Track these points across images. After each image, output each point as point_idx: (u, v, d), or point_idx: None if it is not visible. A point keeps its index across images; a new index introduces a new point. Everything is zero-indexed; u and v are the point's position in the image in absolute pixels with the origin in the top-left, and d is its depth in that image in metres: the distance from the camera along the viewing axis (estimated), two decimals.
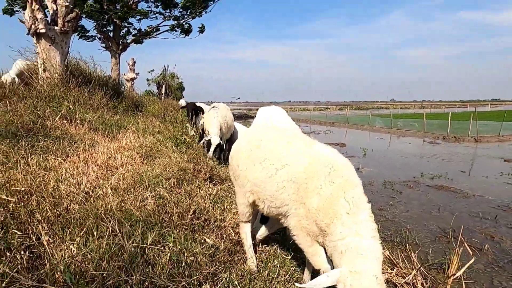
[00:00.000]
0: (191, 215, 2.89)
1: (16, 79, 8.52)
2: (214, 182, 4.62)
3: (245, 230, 2.96)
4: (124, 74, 22.71)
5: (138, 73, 23.07)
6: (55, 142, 4.48)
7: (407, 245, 4.45)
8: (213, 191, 3.86)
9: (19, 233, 2.07)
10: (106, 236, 2.18)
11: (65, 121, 6.11)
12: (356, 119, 33.74)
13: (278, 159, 2.46)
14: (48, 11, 8.50)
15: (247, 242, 2.97)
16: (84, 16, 13.42)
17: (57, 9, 8.31)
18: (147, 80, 31.17)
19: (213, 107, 8.13)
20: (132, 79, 22.56)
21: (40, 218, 2.27)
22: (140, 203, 2.89)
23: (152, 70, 30.43)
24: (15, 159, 3.68)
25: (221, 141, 7.17)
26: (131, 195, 3.01)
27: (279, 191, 2.40)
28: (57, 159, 3.73)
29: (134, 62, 23.00)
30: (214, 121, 7.56)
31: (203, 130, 9.67)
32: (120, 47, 15.65)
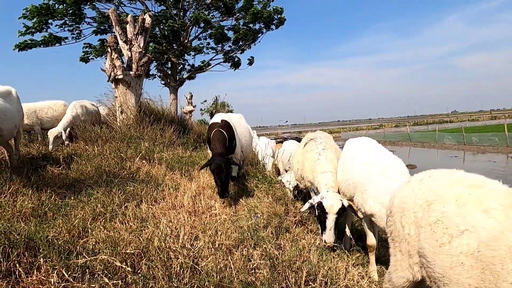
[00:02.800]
0: (305, 276, 2.51)
1: (63, 134, 7.21)
2: (305, 224, 4.22)
3: None
4: (182, 108, 24.01)
5: (195, 106, 24.21)
6: (142, 187, 4.52)
7: None
8: (315, 241, 3.44)
9: None
10: None
11: (144, 161, 6.29)
12: (419, 136, 31.15)
13: (455, 222, 1.80)
14: (124, 57, 9.22)
15: None
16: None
17: (131, 56, 8.97)
18: (201, 110, 32.79)
19: (311, 139, 4.91)
20: (190, 112, 23.69)
21: None
22: (247, 262, 2.61)
23: (205, 101, 32.09)
24: (111, 208, 3.71)
25: (343, 202, 3.88)
26: (237, 252, 2.75)
27: (454, 270, 1.71)
28: (150, 207, 3.69)
29: (192, 96, 24.26)
30: (321, 164, 4.34)
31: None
32: (177, 82, 16.62)
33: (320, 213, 3.81)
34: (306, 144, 4.95)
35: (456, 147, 23.55)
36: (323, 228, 3.79)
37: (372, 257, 3.73)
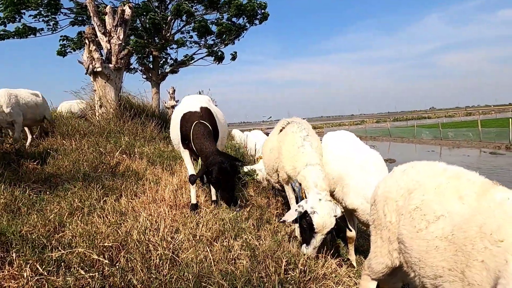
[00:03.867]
0: (284, 265, 2.56)
1: None
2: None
3: (368, 286, 2.44)
4: (165, 102, 23.66)
5: (178, 100, 23.86)
6: (122, 181, 4.44)
7: None
8: (294, 232, 3.50)
9: None
10: None
11: (124, 156, 6.17)
12: (399, 131, 32.09)
13: (432, 208, 1.87)
14: (103, 50, 8.96)
15: None
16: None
17: (110, 48, 8.73)
18: None
19: (289, 122, 4.04)
20: (173, 107, 23.34)
21: (135, 283, 2.06)
22: (227, 253, 2.62)
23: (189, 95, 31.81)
24: (89, 202, 3.63)
25: (337, 213, 3.08)
26: (217, 243, 2.76)
27: (429, 254, 1.79)
28: (130, 201, 3.63)
29: (174, 90, 23.91)
30: (306, 152, 3.48)
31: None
32: (159, 76, 16.37)
33: (306, 228, 2.99)
34: (283, 128, 4.02)
35: (433, 142, 24.40)
36: (307, 242, 3.02)
37: (351, 248, 3.84)
